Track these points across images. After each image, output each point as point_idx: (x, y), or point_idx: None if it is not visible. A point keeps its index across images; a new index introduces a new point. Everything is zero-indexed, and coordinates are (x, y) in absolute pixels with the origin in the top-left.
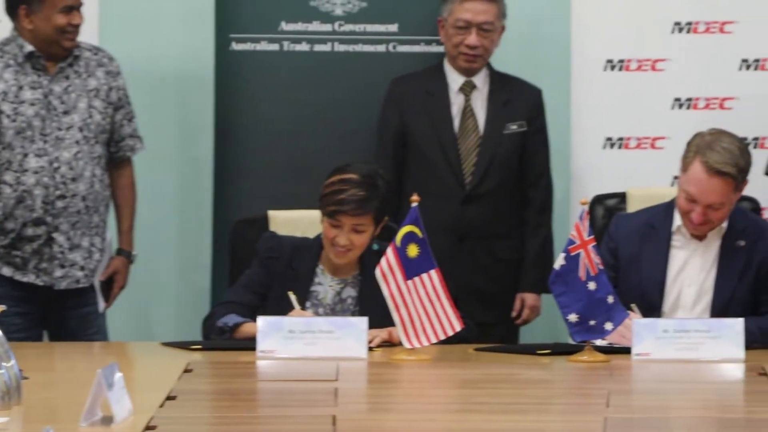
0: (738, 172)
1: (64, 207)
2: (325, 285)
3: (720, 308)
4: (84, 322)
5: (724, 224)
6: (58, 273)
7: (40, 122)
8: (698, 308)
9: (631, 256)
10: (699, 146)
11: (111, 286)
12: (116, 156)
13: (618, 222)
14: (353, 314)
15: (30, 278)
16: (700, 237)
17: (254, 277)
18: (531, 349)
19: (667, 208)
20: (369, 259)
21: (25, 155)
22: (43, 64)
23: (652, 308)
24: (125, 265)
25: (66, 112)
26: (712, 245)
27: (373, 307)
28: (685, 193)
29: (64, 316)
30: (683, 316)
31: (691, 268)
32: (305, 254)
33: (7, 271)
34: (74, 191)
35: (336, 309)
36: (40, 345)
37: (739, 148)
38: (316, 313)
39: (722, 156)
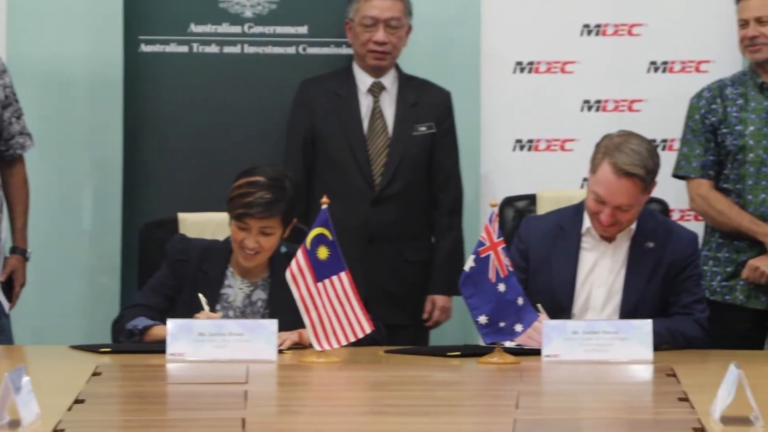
0: (646, 174)
1: None
2: (235, 287)
3: (629, 309)
4: None
5: (633, 226)
6: None
7: None
8: (608, 309)
9: (541, 257)
10: (608, 148)
11: (12, 286)
12: (6, 154)
13: (528, 224)
14: (263, 317)
15: None
16: (609, 239)
17: (163, 280)
18: (441, 351)
19: (577, 209)
20: (278, 262)
21: None
22: None
23: (562, 310)
24: (22, 263)
25: None
26: (622, 247)
27: (283, 309)
28: (594, 194)
29: None
30: (593, 317)
31: (601, 270)
32: (215, 257)
33: None
34: None
35: (246, 312)
36: None
37: (647, 150)
38: (226, 316)
39: (631, 157)
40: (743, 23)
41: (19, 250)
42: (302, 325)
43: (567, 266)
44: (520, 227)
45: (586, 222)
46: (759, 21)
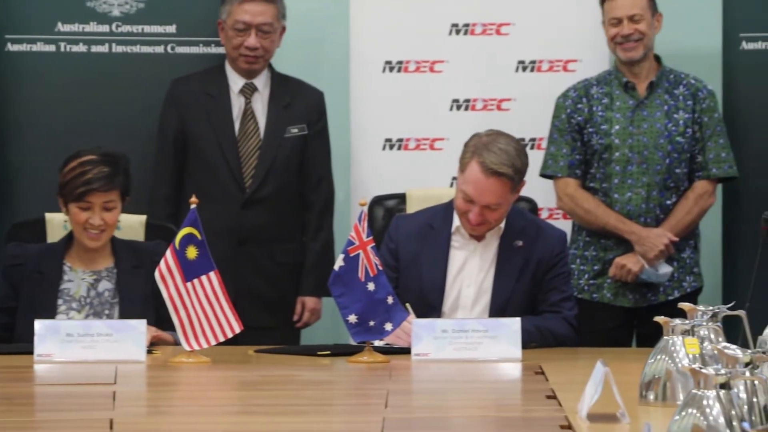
0: (515, 173)
1: None
2: (77, 280)
3: (498, 308)
4: None
5: (502, 225)
6: None
7: None
8: (477, 308)
9: (411, 256)
10: (476, 147)
11: None
12: None
13: (398, 223)
14: (112, 306)
15: None
16: (478, 237)
17: (2, 296)
18: (311, 351)
19: (447, 208)
20: (121, 251)
21: None
22: None
23: (433, 308)
24: None
25: None
26: (491, 245)
27: (131, 298)
28: (463, 193)
29: None
30: (463, 316)
31: (470, 269)
32: (50, 256)
33: None
34: None
35: (94, 303)
36: None
37: (516, 149)
38: (70, 308)
39: (499, 157)
40: (615, 22)
41: None
42: (151, 316)
43: (437, 265)
44: (390, 226)
45: (456, 221)
46: (632, 19)
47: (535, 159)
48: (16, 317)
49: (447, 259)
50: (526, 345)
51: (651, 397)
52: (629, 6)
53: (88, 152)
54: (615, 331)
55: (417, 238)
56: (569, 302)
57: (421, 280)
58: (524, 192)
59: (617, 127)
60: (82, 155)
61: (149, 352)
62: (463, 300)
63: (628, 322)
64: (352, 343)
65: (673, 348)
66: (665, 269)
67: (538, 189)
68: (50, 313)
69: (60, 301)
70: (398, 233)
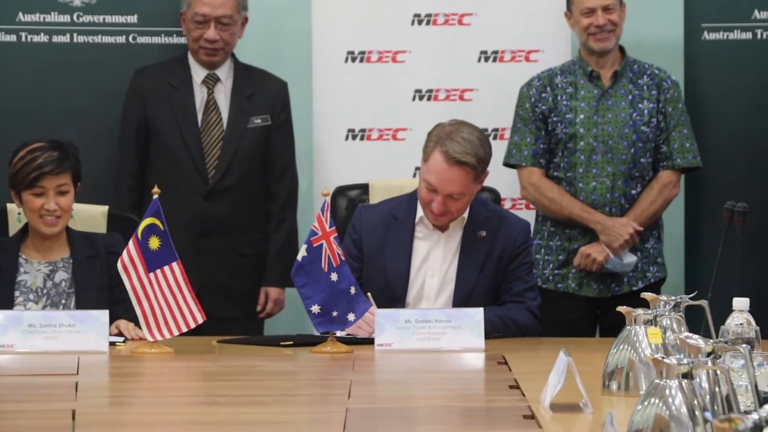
0: (478, 162)
1: None
2: (32, 272)
3: (462, 298)
4: None
5: (466, 215)
6: None
7: None
8: (441, 298)
9: (374, 247)
10: (439, 136)
11: None
12: None
13: (361, 213)
14: (68, 296)
15: None
16: (442, 228)
17: None
18: (274, 341)
19: (410, 199)
20: (77, 241)
21: None
22: None
23: (396, 299)
24: None
25: None
26: (454, 236)
27: (88, 288)
28: (426, 182)
29: None
30: (427, 306)
31: (434, 259)
32: (5, 249)
33: None
34: None
35: (51, 293)
36: None
37: (479, 139)
38: (27, 300)
39: (462, 146)
40: (588, 12)
41: None
42: (107, 306)
43: (400, 255)
44: (353, 216)
45: (420, 211)
46: (605, 9)
47: (499, 149)
48: None
49: (411, 249)
50: (489, 335)
51: (614, 386)
52: None
53: (34, 141)
54: (579, 321)
55: (381, 229)
56: (533, 292)
57: (386, 270)
58: (487, 182)
59: (582, 116)
60: (29, 144)
61: (113, 344)
62: (427, 290)
63: (592, 312)
64: (315, 333)
65: (635, 338)
66: (630, 258)
67: (501, 179)
68: (8, 305)
69: (17, 293)
70: (362, 224)
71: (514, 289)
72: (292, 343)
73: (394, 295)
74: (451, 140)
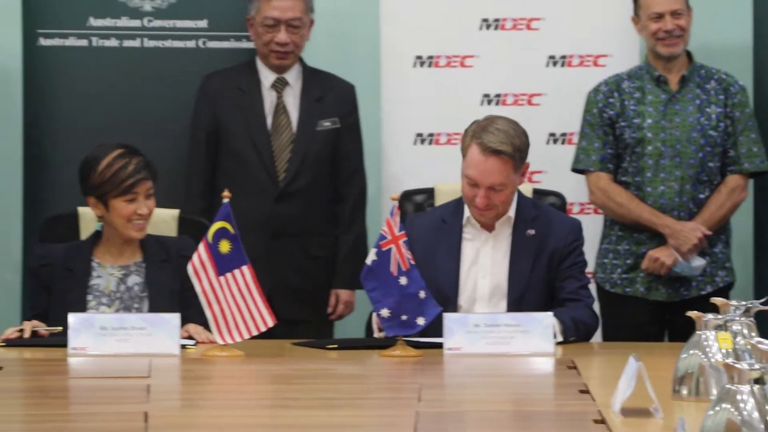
0: (514, 151)
1: None
2: (105, 276)
3: (516, 298)
4: None
5: (512, 213)
6: None
7: None
8: (495, 299)
9: (425, 251)
10: (475, 131)
11: None
12: None
13: (412, 221)
14: (141, 300)
15: None
16: (489, 227)
17: (31, 300)
18: (349, 344)
19: (458, 202)
20: (150, 246)
21: None
22: None
23: (449, 301)
24: None
25: None
26: (503, 235)
27: (161, 292)
28: (467, 178)
29: None
30: (481, 307)
31: (484, 260)
32: (78, 254)
33: None
34: None
35: (124, 297)
36: None
37: (513, 129)
38: (100, 303)
39: (497, 136)
40: (656, 17)
41: None
42: (179, 309)
43: (450, 258)
44: (405, 224)
45: (466, 212)
46: (674, 14)
47: (566, 154)
48: (49, 317)
49: (459, 251)
50: (567, 340)
51: (684, 391)
52: (671, 1)
53: (108, 149)
54: (647, 325)
55: (431, 233)
56: (587, 290)
57: (436, 273)
58: (553, 187)
59: (649, 120)
60: (105, 154)
61: (184, 347)
62: (479, 291)
63: (660, 317)
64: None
65: (705, 343)
66: (698, 262)
67: (567, 184)
68: (80, 309)
69: (90, 297)
70: (412, 230)
71: (569, 287)
72: (337, 346)
73: (445, 298)
74: (485, 132)
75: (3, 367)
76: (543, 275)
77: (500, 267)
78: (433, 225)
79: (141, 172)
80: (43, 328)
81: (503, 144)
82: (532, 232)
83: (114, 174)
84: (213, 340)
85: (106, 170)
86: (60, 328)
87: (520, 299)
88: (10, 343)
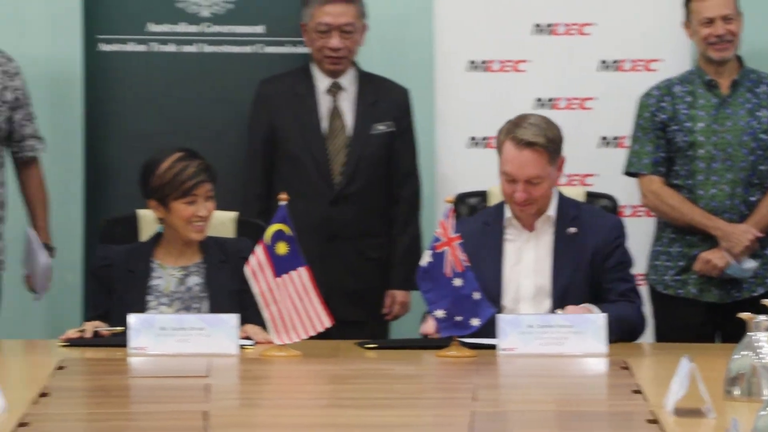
0: (548, 142)
1: None
2: (165, 276)
3: (560, 296)
4: None
5: (553, 212)
6: None
7: None
8: (538, 298)
9: (469, 255)
10: (508, 129)
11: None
12: (18, 156)
13: (457, 226)
14: (201, 300)
15: None
16: (530, 227)
17: (92, 301)
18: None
19: (499, 205)
20: (209, 247)
21: None
22: None
23: (493, 302)
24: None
25: None
26: (544, 235)
27: (220, 292)
28: (505, 174)
29: None
30: (525, 307)
31: (527, 259)
32: (138, 255)
33: None
34: None
35: (184, 297)
36: None
37: (545, 122)
38: (160, 303)
39: (529, 130)
40: (707, 21)
41: (46, 246)
42: (238, 310)
43: (493, 259)
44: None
45: (507, 213)
46: (725, 19)
47: (619, 157)
48: (109, 317)
49: (501, 252)
50: (615, 339)
51: (736, 392)
52: (721, 6)
53: (169, 151)
54: (699, 327)
55: (474, 237)
56: (635, 292)
57: (480, 275)
58: (605, 190)
59: (701, 124)
60: (167, 156)
61: (242, 347)
62: (523, 291)
63: (712, 318)
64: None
65: (757, 344)
66: (750, 264)
67: (619, 186)
68: (140, 309)
69: (150, 297)
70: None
71: (619, 288)
72: (376, 346)
73: (490, 299)
74: (518, 128)
75: (65, 367)
76: (586, 273)
77: (543, 266)
78: (476, 230)
79: (201, 174)
80: (104, 329)
81: (537, 136)
82: (573, 230)
83: (174, 176)
84: (271, 340)
85: (166, 173)
86: (122, 329)
87: (563, 298)
88: (72, 343)
